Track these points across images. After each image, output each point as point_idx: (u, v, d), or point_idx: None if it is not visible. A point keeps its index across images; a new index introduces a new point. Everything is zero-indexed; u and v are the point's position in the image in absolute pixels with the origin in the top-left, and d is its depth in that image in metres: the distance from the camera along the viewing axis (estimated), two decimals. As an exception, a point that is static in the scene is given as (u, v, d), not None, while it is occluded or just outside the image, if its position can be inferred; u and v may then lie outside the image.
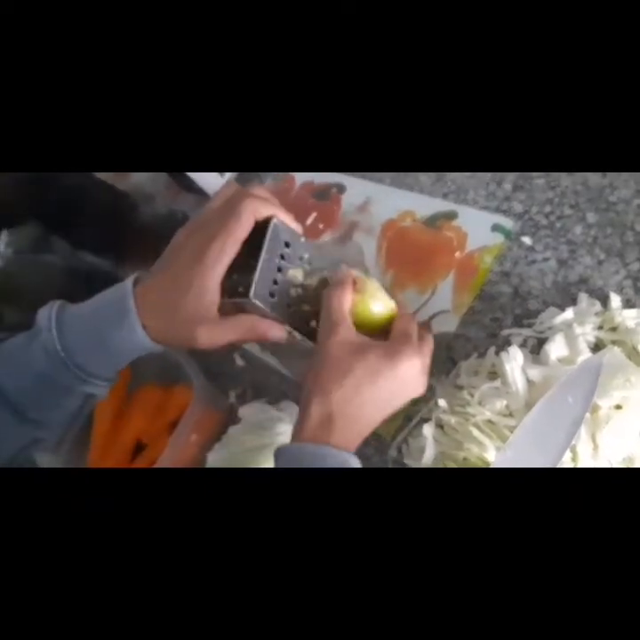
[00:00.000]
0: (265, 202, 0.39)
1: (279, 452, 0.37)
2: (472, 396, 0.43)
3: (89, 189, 0.72)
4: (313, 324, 0.42)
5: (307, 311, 0.42)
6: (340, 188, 0.64)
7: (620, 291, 0.44)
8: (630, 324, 0.42)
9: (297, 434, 0.38)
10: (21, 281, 0.64)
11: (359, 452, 0.50)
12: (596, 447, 0.38)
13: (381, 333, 0.41)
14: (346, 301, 0.40)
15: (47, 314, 0.38)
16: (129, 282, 0.39)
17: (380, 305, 0.42)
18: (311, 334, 0.42)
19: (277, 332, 0.40)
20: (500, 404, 0.41)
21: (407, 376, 0.38)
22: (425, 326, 0.43)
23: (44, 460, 0.55)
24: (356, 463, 0.37)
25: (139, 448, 0.58)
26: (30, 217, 0.66)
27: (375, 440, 0.49)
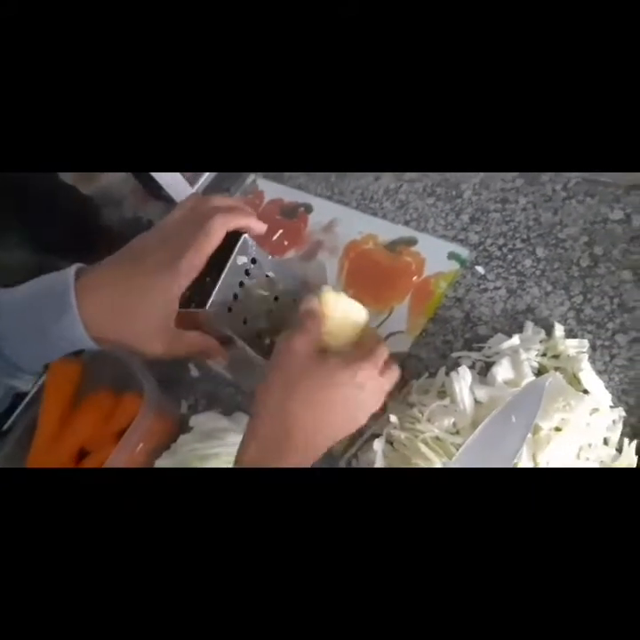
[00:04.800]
0: (237, 214, 0.39)
1: None
2: (422, 413, 0.44)
3: (52, 191, 0.71)
4: (267, 341, 0.42)
5: (263, 329, 0.42)
6: (308, 208, 0.65)
7: (563, 321, 0.47)
8: (572, 352, 0.44)
9: (243, 454, 0.35)
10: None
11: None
12: (536, 466, 0.39)
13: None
14: (313, 341, 0.38)
15: None
16: (70, 273, 0.36)
17: (349, 327, 0.41)
18: (264, 350, 0.42)
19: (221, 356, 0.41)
20: (448, 421, 0.43)
21: (366, 386, 0.37)
22: (392, 358, 0.42)
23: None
24: None
25: (82, 455, 0.56)
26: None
27: (325, 454, 0.49)
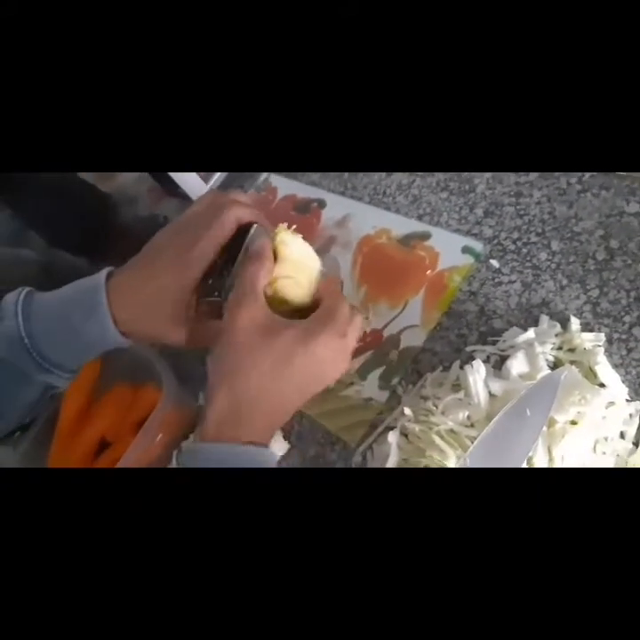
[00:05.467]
0: (249, 208, 0.41)
1: (183, 453, 0.35)
2: (436, 406, 0.44)
3: (70, 188, 0.73)
4: None
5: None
6: (321, 203, 0.66)
7: (579, 315, 0.46)
8: (588, 345, 0.44)
9: (202, 430, 0.34)
10: (-5, 272, 0.63)
11: (324, 458, 0.51)
12: (551, 460, 0.40)
13: (305, 309, 0.37)
14: (261, 277, 0.36)
15: (14, 299, 0.38)
16: (102, 274, 0.39)
17: (306, 274, 0.37)
18: None
19: None
20: (463, 414, 0.43)
21: (324, 357, 0.35)
22: (355, 308, 0.39)
23: (3, 454, 0.54)
24: (270, 457, 0.35)
25: (103, 446, 0.57)
26: (8, 209, 0.66)
27: (340, 446, 0.50)
